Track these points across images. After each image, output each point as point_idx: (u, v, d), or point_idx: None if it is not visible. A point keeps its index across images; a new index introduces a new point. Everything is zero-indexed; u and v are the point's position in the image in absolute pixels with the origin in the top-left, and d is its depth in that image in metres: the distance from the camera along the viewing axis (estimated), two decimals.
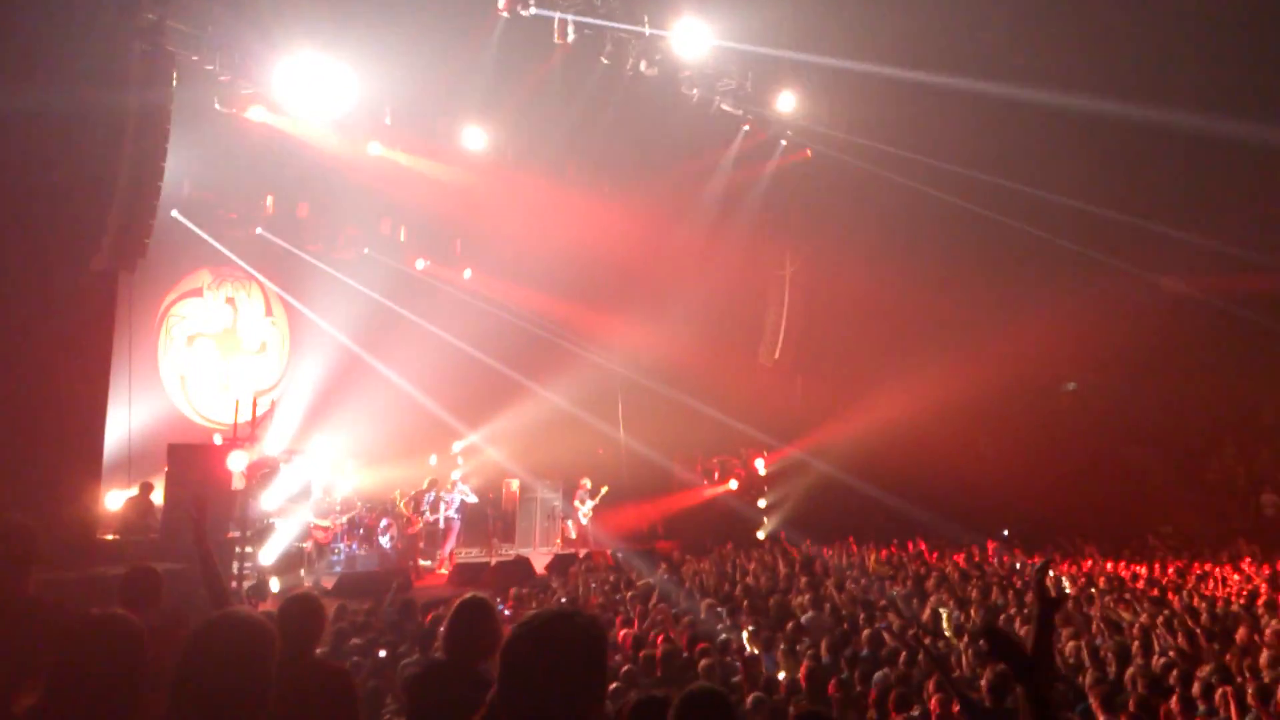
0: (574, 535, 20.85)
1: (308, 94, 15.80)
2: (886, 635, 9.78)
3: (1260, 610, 11.98)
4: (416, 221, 21.78)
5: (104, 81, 12.51)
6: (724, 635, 9.80)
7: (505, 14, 16.54)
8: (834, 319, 25.25)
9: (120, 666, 2.99)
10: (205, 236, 18.89)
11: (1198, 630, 10.16)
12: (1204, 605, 12.29)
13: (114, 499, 15.10)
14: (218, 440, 17.01)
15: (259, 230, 19.67)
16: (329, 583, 15.61)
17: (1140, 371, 25.21)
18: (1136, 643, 9.64)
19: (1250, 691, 7.35)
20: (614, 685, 7.07)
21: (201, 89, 15.08)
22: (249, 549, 14.18)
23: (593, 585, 14.25)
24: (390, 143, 18.79)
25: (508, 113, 18.89)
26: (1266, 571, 16.15)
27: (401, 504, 18.03)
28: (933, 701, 6.99)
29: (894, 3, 21.22)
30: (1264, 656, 8.89)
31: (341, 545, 17.21)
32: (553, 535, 21.09)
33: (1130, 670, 8.18)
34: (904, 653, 8.74)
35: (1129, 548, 19.79)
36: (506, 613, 10.47)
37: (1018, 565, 17.34)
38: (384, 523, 17.63)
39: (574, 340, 22.98)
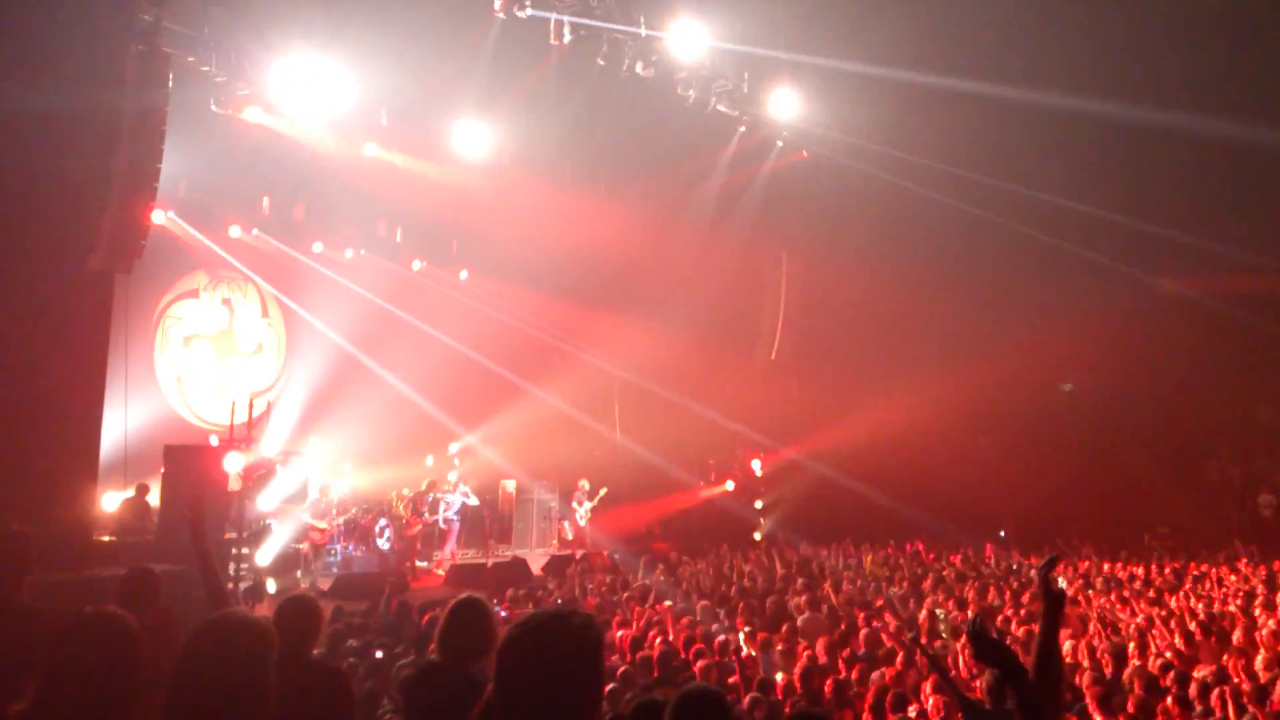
0: (571, 536, 20.84)
1: (304, 95, 15.78)
2: (884, 636, 9.79)
3: (1257, 611, 11.99)
4: (413, 223, 21.78)
5: (100, 82, 12.46)
6: (721, 636, 9.80)
7: (501, 15, 16.51)
8: (830, 320, 25.27)
9: (114, 664, 2.96)
10: (201, 238, 18.88)
11: (1195, 631, 10.17)
12: (1201, 606, 12.31)
13: (110, 500, 15.06)
14: (214, 442, 16.97)
15: (255, 231, 19.65)
16: (325, 584, 15.60)
17: (1137, 372, 25.21)
18: (1133, 643, 9.66)
19: (1247, 692, 7.36)
20: (611, 686, 7.06)
21: (197, 90, 15.04)
22: (245, 550, 14.15)
23: (589, 586, 14.26)
24: (386, 144, 18.76)
25: (504, 114, 18.87)
26: (1263, 572, 16.16)
27: (400, 506, 18.02)
28: (932, 703, 6.99)
29: (890, 4, 21.26)
30: (1260, 657, 8.90)
31: (338, 546, 17.19)
32: (549, 536, 21.09)
33: (1127, 671, 8.19)
34: (901, 653, 8.75)
35: (1126, 548, 19.82)
36: (502, 614, 10.45)
37: (1014, 566, 17.39)
38: (382, 523, 17.61)
39: (570, 341, 22.98)
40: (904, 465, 22.09)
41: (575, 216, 20.78)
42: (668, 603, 11.79)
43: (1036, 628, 10.38)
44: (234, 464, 14.23)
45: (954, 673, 8.65)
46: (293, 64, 15.35)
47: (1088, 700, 7.06)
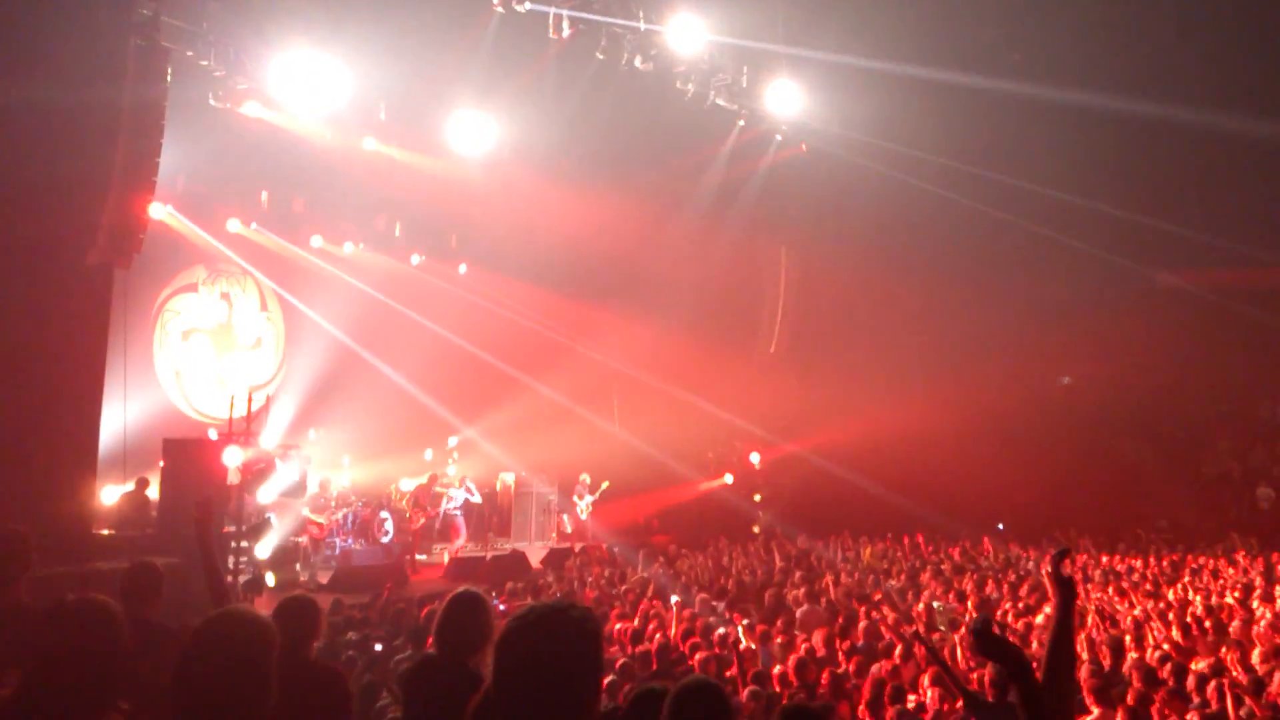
0: (570, 530, 20.87)
1: (303, 89, 15.75)
2: (883, 628, 9.81)
3: (1254, 603, 12.02)
4: (412, 217, 21.78)
5: (99, 77, 12.45)
6: (719, 629, 9.82)
7: (500, 9, 16.47)
8: (829, 313, 25.28)
9: (97, 650, 3.00)
10: (200, 232, 18.89)
11: (1192, 623, 10.19)
12: (1199, 598, 12.34)
13: (110, 494, 15.09)
14: (213, 435, 16.98)
15: (254, 226, 19.65)
16: (324, 577, 15.64)
17: (1135, 365, 25.23)
18: (1130, 636, 9.68)
19: (1244, 684, 7.38)
20: (609, 679, 7.08)
21: (197, 84, 15.04)
22: (244, 544, 14.18)
23: (588, 579, 14.28)
24: (385, 138, 18.74)
25: (503, 108, 18.84)
26: (1261, 565, 16.20)
27: (403, 501, 18.05)
28: (930, 695, 7.01)
29: None
30: (1257, 650, 8.93)
31: (337, 540, 17.21)
32: (549, 530, 21.11)
33: (1124, 663, 8.21)
34: (900, 646, 8.77)
35: (1124, 541, 19.84)
36: (501, 607, 10.47)
37: (1013, 558, 17.42)
38: (383, 515, 17.63)
39: (569, 335, 22.99)
40: (902, 458, 22.10)
41: (574, 211, 20.78)
42: (674, 599, 11.80)
43: (1035, 620, 10.40)
44: (233, 458, 14.28)
45: (952, 665, 8.67)
46: (291, 58, 15.34)
47: (1085, 693, 7.07)
